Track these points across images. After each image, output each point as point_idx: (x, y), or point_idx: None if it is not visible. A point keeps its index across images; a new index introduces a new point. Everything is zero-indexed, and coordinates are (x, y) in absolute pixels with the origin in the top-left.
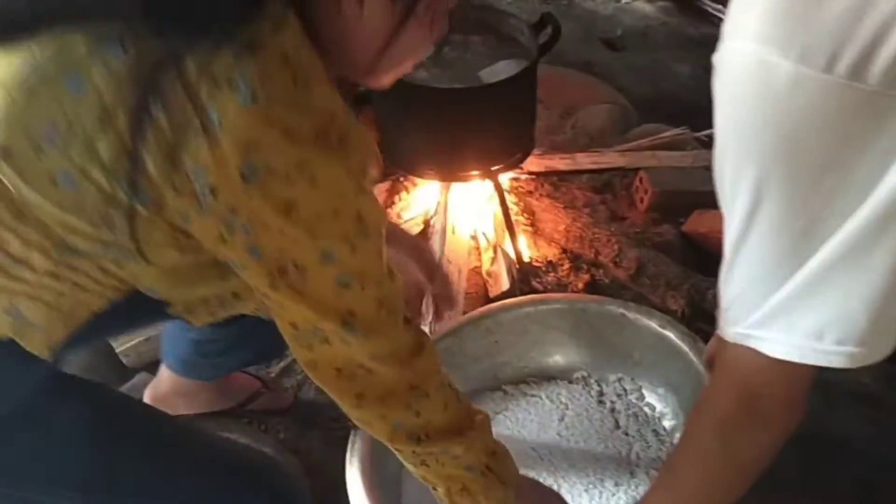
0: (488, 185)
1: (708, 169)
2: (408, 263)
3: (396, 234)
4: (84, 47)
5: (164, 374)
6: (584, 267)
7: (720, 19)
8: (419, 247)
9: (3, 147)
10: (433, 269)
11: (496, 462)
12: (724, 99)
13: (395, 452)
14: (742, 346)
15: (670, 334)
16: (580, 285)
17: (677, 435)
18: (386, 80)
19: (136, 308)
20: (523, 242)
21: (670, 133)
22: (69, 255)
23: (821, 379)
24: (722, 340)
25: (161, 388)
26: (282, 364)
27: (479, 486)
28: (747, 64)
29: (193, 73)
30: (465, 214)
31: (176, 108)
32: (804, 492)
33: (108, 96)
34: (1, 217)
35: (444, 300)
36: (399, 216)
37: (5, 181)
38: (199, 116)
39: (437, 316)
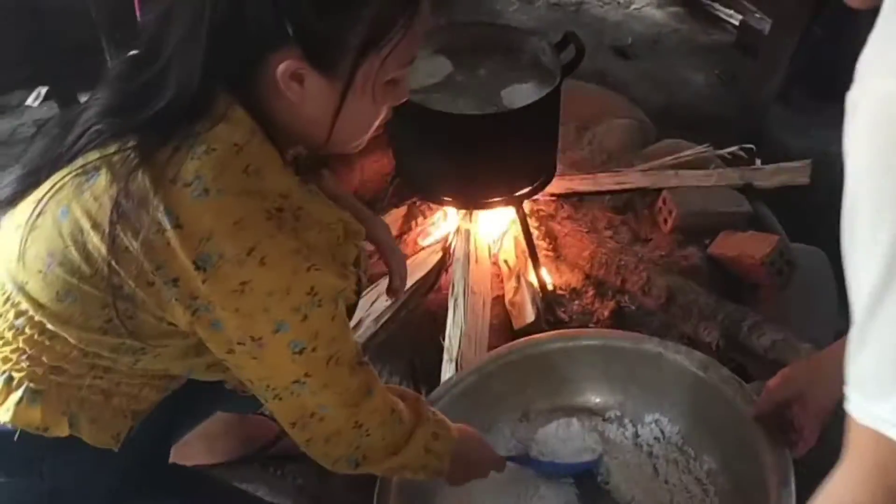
0: (509, 210)
1: (732, 188)
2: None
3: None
4: (70, 180)
5: None
6: (610, 294)
7: (732, 25)
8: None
9: (20, 284)
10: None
11: (436, 444)
12: (859, 143)
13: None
14: (880, 434)
15: (712, 377)
16: (606, 313)
17: (720, 480)
18: (349, 147)
19: (196, 391)
20: (546, 270)
21: (692, 151)
22: (94, 358)
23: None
24: (853, 420)
25: None
26: None
27: (417, 467)
28: (889, 103)
29: (149, 179)
30: (486, 241)
31: (136, 214)
32: None
33: (85, 220)
34: (31, 335)
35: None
36: (416, 243)
37: (25, 309)
38: (156, 217)
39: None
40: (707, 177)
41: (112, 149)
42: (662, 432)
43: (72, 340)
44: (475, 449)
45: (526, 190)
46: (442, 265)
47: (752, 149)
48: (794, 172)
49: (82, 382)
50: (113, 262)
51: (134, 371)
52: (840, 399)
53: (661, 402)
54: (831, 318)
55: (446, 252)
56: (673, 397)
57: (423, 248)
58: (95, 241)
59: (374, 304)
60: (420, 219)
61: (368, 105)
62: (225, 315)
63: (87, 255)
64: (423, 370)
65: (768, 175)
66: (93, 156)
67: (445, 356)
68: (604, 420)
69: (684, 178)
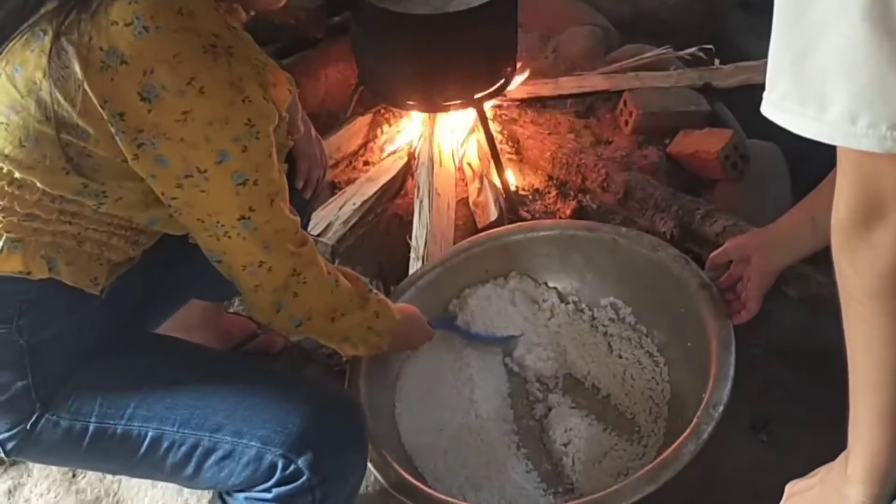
0: (471, 113)
1: (691, 88)
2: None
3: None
4: (19, 44)
5: None
6: (571, 193)
7: None
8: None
9: None
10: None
11: (377, 322)
12: None
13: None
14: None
15: (661, 256)
16: (568, 212)
17: (669, 352)
18: None
19: (170, 254)
20: (509, 171)
21: (653, 53)
22: (62, 203)
23: (808, 293)
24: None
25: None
26: None
27: (358, 341)
28: None
29: (91, 25)
30: (450, 145)
31: (81, 57)
32: (795, 400)
33: (38, 73)
34: (1, 187)
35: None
36: (382, 149)
37: None
38: (99, 58)
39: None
40: (667, 78)
41: (50, 13)
42: (617, 313)
43: (38, 185)
44: (411, 326)
45: (485, 92)
46: (407, 170)
47: (711, 49)
48: (752, 71)
49: (54, 228)
50: (61, 98)
51: (100, 217)
52: (784, 265)
53: (615, 286)
54: (784, 209)
55: (411, 157)
56: (626, 279)
57: (389, 155)
58: (47, 88)
59: (343, 208)
60: (385, 126)
61: None
62: (171, 147)
63: (40, 101)
64: (391, 270)
65: (727, 75)
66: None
67: (412, 255)
68: (562, 302)
69: (644, 79)
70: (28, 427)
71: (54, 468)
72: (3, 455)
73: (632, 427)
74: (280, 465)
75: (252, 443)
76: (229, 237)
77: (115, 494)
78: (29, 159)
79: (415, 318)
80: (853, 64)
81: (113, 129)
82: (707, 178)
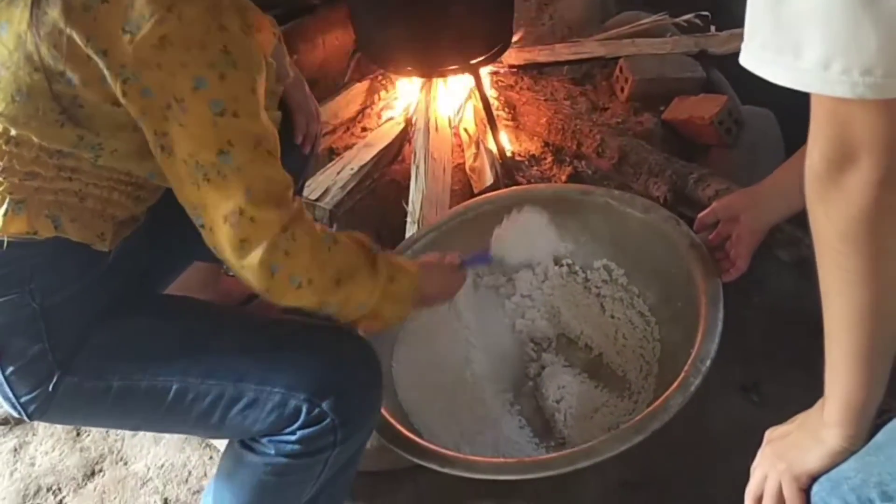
0: (468, 79)
1: (687, 55)
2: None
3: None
4: (4, 3)
5: None
6: (567, 159)
7: None
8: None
9: None
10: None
11: (393, 287)
12: None
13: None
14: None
15: (653, 218)
16: (563, 178)
17: (661, 311)
18: None
19: (173, 214)
20: (505, 137)
21: (649, 20)
22: (60, 158)
23: (799, 256)
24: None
25: None
26: None
27: (376, 306)
28: None
29: None
30: (446, 111)
31: (62, 3)
32: (786, 361)
33: (24, 26)
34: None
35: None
36: (379, 116)
37: None
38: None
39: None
40: (663, 44)
41: None
42: (610, 275)
43: (35, 140)
44: (436, 280)
45: (482, 57)
46: (404, 136)
47: (707, 16)
48: None
49: (55, 186)
50: (47, 46)
51: (99, 171)
52: (771, 223)
53: (608, 248)
54: None
55: (408, 123)
56: (619, 241)
57: (386, 121)
58: (32, 39)
59: (341, 173)
60: (382, 92)
61: None
62: (151, 76)
63: (28, 53)
64: (388, 235)
65: (722, 41)
66: None
67: (409, 219)
68: (557, 265)
69: (641, 46)
70: (49, 389)
71: (59, 427)
72: (25, 418)
73: (623, 384)
74: (304, 409)
75: (276, 389)
76: (208, 180)
77: (118, 452)
78: (23, 114)
79: (436, 267)
80: (828, 9)
81: (102, 66)
82: (701, 144)
